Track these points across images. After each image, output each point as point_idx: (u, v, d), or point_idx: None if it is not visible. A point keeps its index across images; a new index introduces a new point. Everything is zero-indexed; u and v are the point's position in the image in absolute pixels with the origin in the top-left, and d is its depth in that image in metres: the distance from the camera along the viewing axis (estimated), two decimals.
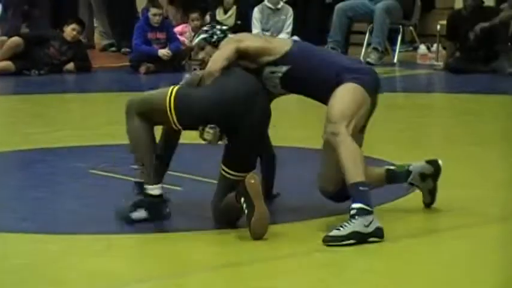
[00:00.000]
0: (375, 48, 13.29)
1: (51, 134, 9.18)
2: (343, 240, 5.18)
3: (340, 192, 5.74)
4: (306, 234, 5.62)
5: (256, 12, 13.75)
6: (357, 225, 5.23)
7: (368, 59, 13.07)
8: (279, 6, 13.74)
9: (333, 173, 5.71)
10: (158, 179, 5.79)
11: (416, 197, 6.17)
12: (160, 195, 5.75)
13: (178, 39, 13.19)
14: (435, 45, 13.62)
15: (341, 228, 5.24)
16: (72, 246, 5.77)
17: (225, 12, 14.33)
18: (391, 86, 12.12)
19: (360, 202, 5.29)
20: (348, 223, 5.25)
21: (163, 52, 12.68)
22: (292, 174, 6.76)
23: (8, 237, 5.93)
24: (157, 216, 5.76)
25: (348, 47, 13.87)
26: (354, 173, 5.38)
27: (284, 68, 5.69)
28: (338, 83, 5.62)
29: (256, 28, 13.68)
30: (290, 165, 7.02)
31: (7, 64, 12.26)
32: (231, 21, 14.04)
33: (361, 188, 5.34)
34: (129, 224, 5.93)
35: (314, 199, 6.05)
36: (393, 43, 13.82)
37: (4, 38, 12.77)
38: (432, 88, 12.84)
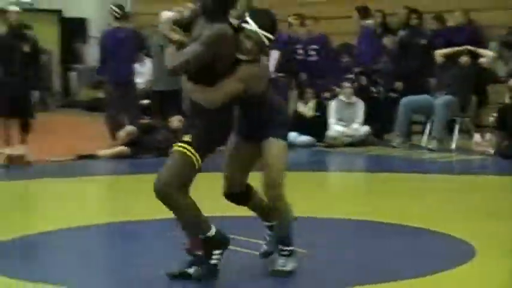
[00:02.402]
0: (435, 137, 13.79)
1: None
2: (287, 275, 6.05)
3: (243, 195, 6.18)
4: None
5: (332, 105, 14.39)
6: (292, 261, 6.07)
7: (429, 146, 13.67)
8: (352, 100, 14.37)
9: (238, 175, 6.12)
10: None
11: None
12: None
13: None
14: (488, 134, 13.87)
15: (285, 267, 6.06)
16: None
17: (306, 104, 14.80)
18: (449, 169, 12.75)
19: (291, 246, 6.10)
20: (286, 261, 6.06)
21: None
22: None
23: None
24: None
25: (411, 135, 14.47)
26: (286, 226, 6.08)
27: None
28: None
29: (332, 117, 14.31)
30: None
31: (124, 149, 12.83)
32: (311, 113, 14.65)
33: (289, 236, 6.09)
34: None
35: None
36: (451, 132, 14.13)
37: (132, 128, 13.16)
38: (484, 171, 12.79)
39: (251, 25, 5.63)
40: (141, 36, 15.02)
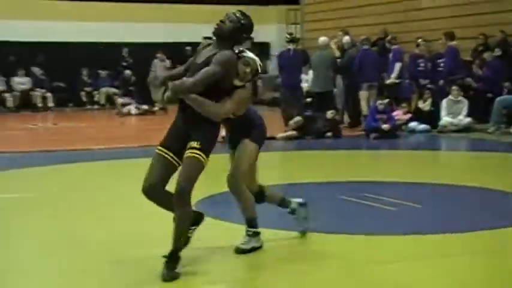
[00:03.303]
0: None
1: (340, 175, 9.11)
2: (249, 252, 5.26)
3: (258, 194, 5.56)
4: None
5: (444, 102, 14.04)
6: (254, 241, 5.29)
7: None
8: (459, 98, 14.01)
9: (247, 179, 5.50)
10: None
11: None
12: None
13: (393, 118, 13.48)
14: None
15: (245, 245, 5.28)
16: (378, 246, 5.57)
17: (424, 101, 14.47)
18: None
19: (256, 227, 5.33)
20: (249, 241, 5.30)
21: (385, 126, 13.00)
22: None
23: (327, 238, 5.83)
24: None
25: (503, 124, 13.88)
26: (249, 209, 5.35)
27: None
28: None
29: (443, 111, 13.95)
30: None
31: (293, 133, 12.94)
32: (427, 108, 14.33)
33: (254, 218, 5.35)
34: None
35: None
36: None
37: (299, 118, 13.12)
38: None
39: (249, 54, 5.21)
40: (306, 54, 14.98)
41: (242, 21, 4.98)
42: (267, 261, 5.25)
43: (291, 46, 14.24)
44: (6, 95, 20.30)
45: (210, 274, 4.86)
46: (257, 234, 5.39)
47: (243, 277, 5.09)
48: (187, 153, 4.74)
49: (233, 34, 4.96)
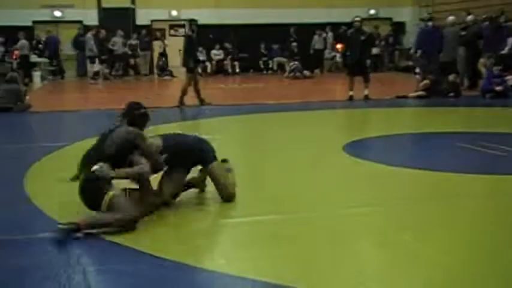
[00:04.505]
0: None
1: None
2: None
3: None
4: None
5: None
6: None
7: None
8: None
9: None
10: None
11: None
12: None
13: (506, 81, 12.41)
14: None
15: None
16: None
17: None
18: None
19: None
20: None
21: (498, 88, 12.12)
22: None
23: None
24: None
25: None
26: None
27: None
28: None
29: None
30: None
31: (422, 93, 12.31)
32: None
33: None
34: None
35: None
36: None
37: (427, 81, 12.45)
38: None
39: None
40: (440, 31, 13.82)
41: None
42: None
43: (429, 23, 13.61)
44: (207, 63, 21.01)
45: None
46: None
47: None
48: None
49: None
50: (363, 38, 12.09)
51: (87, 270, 3.29)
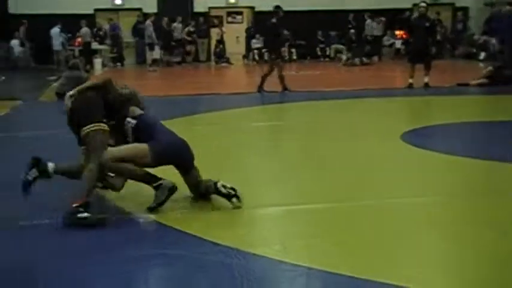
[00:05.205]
0: None
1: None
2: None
3: None
4: None
5: None
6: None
7: None
8: None
9: None
10: None
11: None
12: None
13: None
14: None
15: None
16: None
17: None
18: None
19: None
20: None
21: None
22: None
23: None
24: None
25: None
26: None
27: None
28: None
29: None
30: None
31: (485, 81, 12.01)
32: None
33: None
34: None
35: None
36: None
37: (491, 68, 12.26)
38: None
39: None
40: None
41: None
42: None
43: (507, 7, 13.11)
44: (264, 50, 20.95)
45: None
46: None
47: None
48: None
49: None
50: (427, 24, 11.83)
51: (142, 254, 3.33)
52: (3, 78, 15.78)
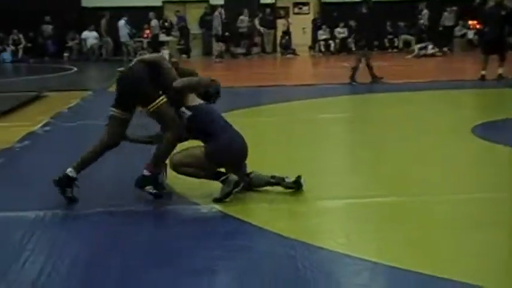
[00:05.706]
0: None
1: None
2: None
3: None
4: None
5: None
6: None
7: None
8: None
9: None
10: None
11: None
12: None
13: None
14: None
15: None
16: None
17: None
18: None
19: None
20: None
21: None
22: None
23: None
24: None
25: None
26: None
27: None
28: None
29: None
30: None
31: None
32: None
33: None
34: None
35: None
36: None
37: None
38: None
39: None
40: None
41: None
42: None
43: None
44: (330, 41, 20.87)
45: None
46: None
47: None
48: None
49: None
50: (503, 13, 11.41)
51: (206, 246, 3.35)
52: (75, 69, 16.33)
